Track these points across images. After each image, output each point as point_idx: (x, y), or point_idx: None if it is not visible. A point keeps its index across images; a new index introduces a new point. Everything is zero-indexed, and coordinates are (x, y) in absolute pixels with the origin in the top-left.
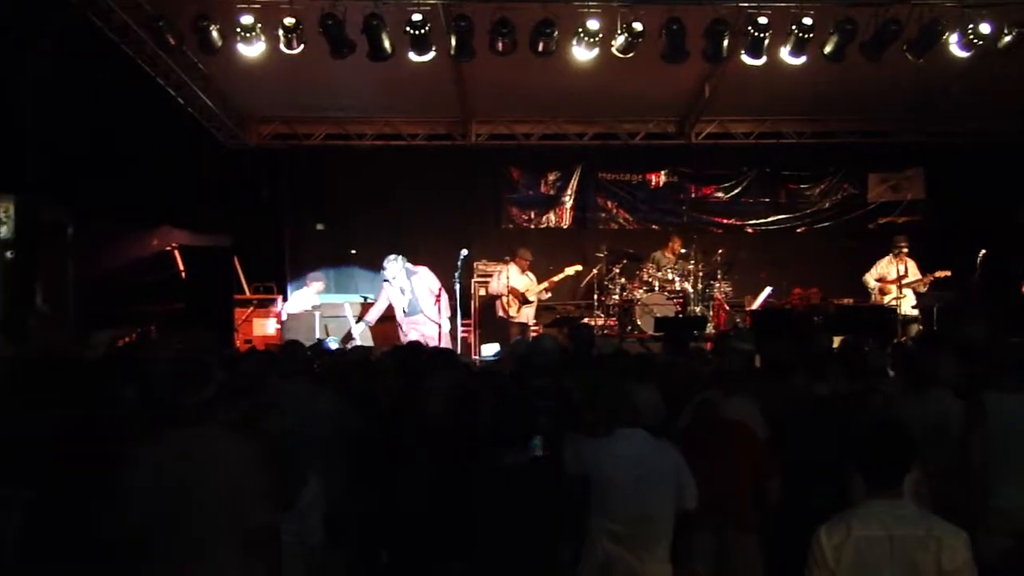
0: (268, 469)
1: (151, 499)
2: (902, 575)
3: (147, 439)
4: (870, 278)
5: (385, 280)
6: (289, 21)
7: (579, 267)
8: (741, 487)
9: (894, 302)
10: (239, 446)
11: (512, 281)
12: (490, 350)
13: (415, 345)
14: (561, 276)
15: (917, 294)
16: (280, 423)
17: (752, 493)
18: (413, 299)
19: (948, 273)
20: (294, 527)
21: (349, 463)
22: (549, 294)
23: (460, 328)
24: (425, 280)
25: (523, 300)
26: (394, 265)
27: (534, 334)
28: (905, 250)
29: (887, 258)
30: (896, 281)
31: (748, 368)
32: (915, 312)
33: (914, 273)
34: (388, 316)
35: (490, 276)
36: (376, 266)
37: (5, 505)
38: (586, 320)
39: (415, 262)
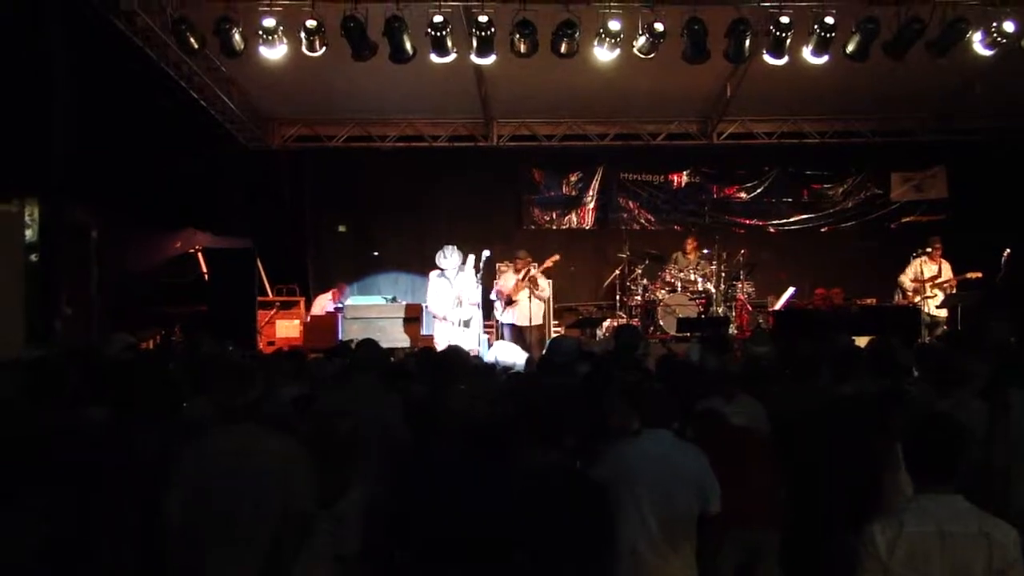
0: (308, 467)
1: (192, 494)
2: (952, 572)
3: (191, 437)
4: (905, 279)
5: (440, 271)
6: (311, 23)
7: (556, 257)
8: (758, 489)
9: (924, 302)
10: (279, 443)
11: (504, 283)
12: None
13: (448, 349)
14: (529, 273)
15: (945, 294)
16: (341, 425)
17: (771, 493)
18: (457, 295)
19: (979, 274)
20: (330, 530)
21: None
22: (532, 290)
23: (483, 330)
24: (469, 279)
25: (508, 301)
26: (454, 256)
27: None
28: (940, 251)
29: (921, 258)
30: (930, 281)
31: (761, 370)
32: (940, 312)
33: (947, 274)
34: (413, 317)
35: None
36: (398, 267)
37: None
38: (628, 322)
39: (435, 264)
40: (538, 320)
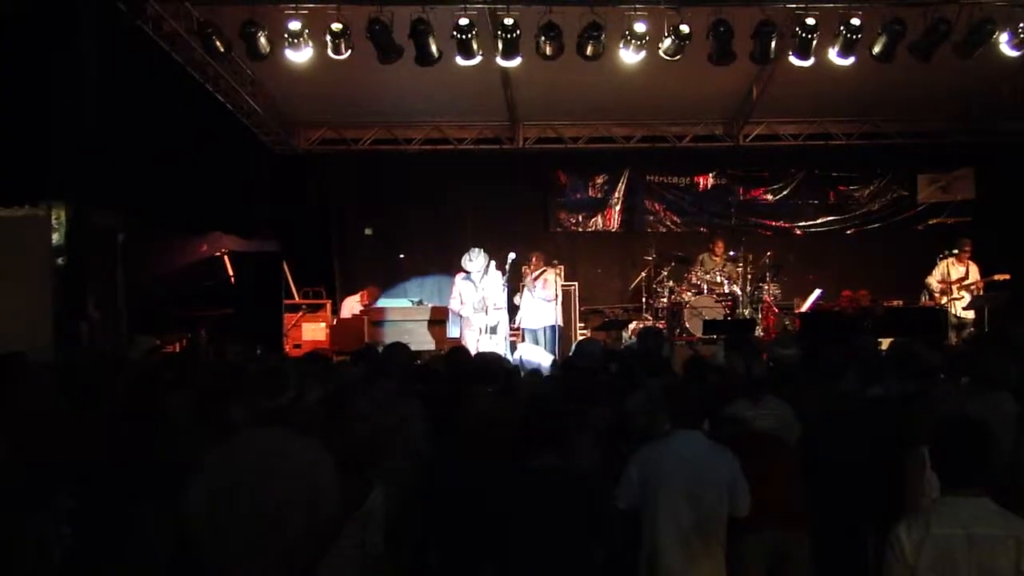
0: (334, 471)
1: (216, 499)
2: (979, 575)
3: (217, 440)
4: (932, 280)
5: (465, 273)
6: (336, 27)
7: (545, 270)
8: (784, 492)
9: (950, 303)
10: (306, 447)
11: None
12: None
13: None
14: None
15: (972, 296)
16: (365, 429)
17: (797, 496)
18: (483, 297)
19: (1007, 276)
20: (356, 534)
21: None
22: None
23: (508, 333)
24: (496, 282)
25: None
26: (479, 259)
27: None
28: (969, 252)
29: (949, 260)
30: (957, 282)
31: (788, 372)
32: (967, 314)
33: (974, 275)
34: (439, 320)
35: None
36: (424, 270)
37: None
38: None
39: (460, 267)
40: (548, 321)
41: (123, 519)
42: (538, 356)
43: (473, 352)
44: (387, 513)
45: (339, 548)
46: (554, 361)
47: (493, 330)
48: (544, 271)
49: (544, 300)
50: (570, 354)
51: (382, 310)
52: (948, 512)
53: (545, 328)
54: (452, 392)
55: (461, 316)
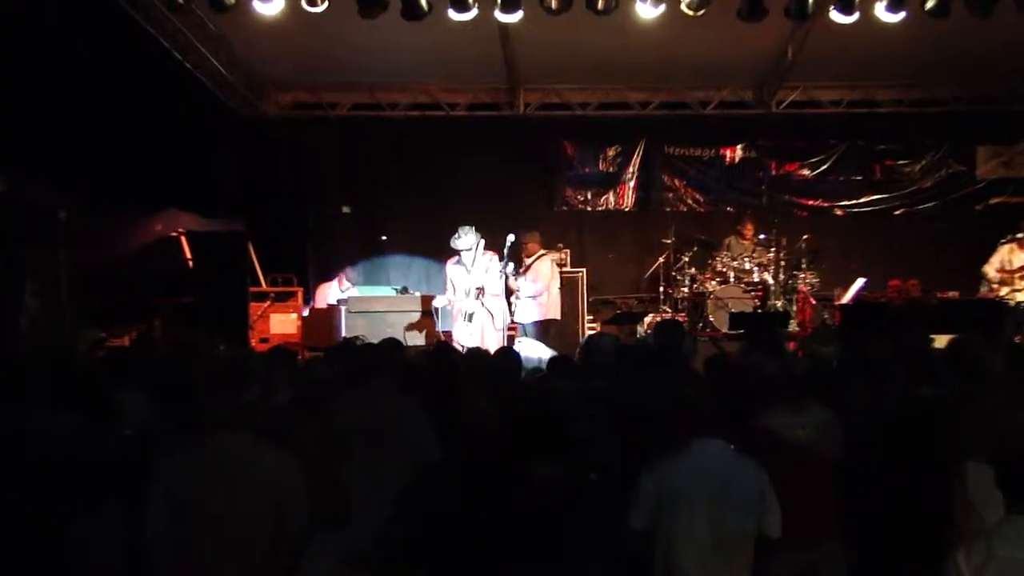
0: (306, 480)
1: (177, 510)
2: None
3: (173, 447)
4: (990, 268)
5: (455, 255)
6: None
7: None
8: (820, 511)
9: (1011, 295)
10: (272, 455)
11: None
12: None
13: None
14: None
15: None
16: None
17: (833, 518)
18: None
19: None
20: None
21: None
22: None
23: (506, 326)
24: (493, 266)
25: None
26: (469, 235)
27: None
28: None
29: (1010, 245)
30: (1019, 271)
31: (827, 373)
32: None
33: None
34: (427, 310)
35: None
36: (409, 253)
37: None
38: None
39: (452, 251)
40: (532, 316)
41: (67, 527)
42: (537, 351)
43: (469, 347)
44: (376, 520)
45: (314, 557)
46: (554, 358)
47: (470, 317)
48: (541, 256)
49: (528, 296)
50: (579, 351)
51: (362, 299)
52: (1014, 533)
53: (537, 324)
54: (443, 394)
55: (453, 307)
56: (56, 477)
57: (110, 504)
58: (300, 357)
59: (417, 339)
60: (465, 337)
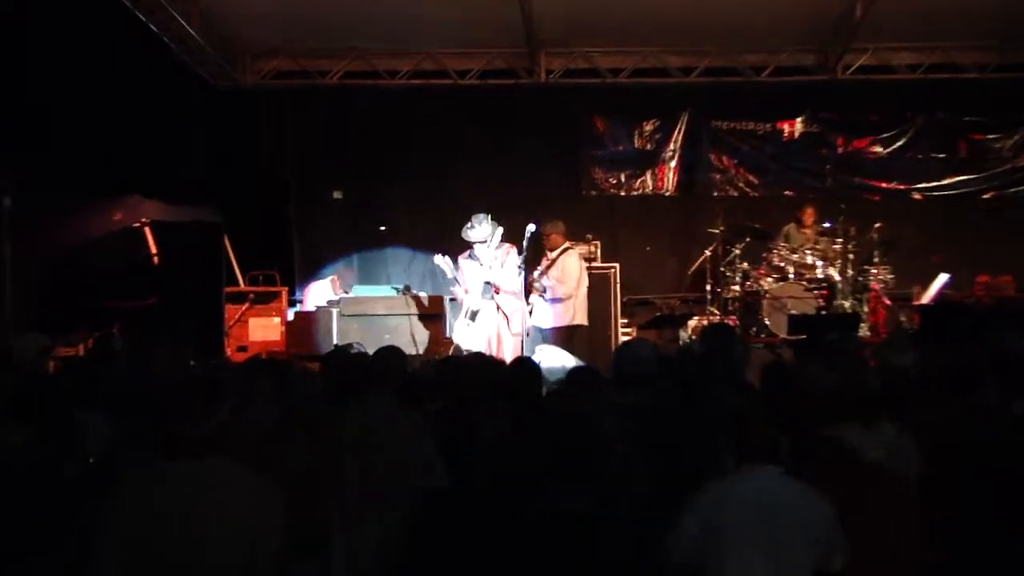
0: (282, 512)
1: (142, 546)
2: None
3: (126, 482)
4: None
5: (467, 249)
6: None
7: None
8: (899, 547)
9: None
10: (248, 485)
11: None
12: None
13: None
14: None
15: None
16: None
17: (915, 553)
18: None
19: None
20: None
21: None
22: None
23: (526, 331)
24: (510, 260)
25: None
26: (484, 225)
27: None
28: None
29: None
30: None
31: (904, 386)
32: None
33: None
34: (433, 313)
35: None
36: (413, 246)
37: None
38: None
39: (464, 243)
40: (552, 321)
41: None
42: (561, 360)
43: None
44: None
45: None
46: (579, 368)
47: (473, 316)
48: (566, 250)
49: (554, 299)
50: (612, 361)
51: (356, 301)
52: None
53: (558, 330)
54: (451, 411)
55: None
56: (5, 502)
57: (67, 544)
58: (289, 367)
59: (419, 345)
60: (466, 338)
